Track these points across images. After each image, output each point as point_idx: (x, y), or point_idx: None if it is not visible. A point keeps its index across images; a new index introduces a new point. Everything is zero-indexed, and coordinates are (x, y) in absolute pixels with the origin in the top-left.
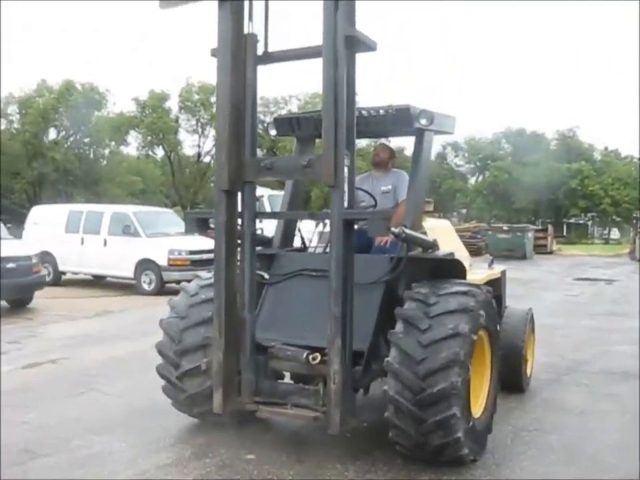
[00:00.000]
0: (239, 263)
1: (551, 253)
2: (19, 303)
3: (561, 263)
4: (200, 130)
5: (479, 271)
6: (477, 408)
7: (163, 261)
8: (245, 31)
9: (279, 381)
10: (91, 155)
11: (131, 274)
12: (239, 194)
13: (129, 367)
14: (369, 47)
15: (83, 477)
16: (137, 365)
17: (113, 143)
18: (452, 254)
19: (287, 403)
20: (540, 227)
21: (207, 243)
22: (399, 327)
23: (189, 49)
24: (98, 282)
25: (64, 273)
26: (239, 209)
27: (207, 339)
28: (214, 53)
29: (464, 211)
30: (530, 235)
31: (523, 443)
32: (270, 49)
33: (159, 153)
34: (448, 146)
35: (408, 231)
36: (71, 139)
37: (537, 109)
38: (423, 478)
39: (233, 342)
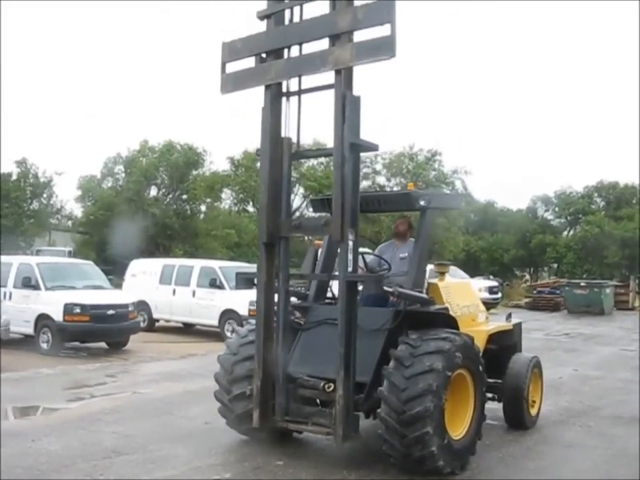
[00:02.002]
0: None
1: (632, 309)
2: (117, 345)
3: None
4: None
5: (491, 323)
6: (458, 431)
7: (244, 311)
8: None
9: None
10: (188, 211)
11: (215, 322)
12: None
13: (200, 397)
14: (371, 149)
15: (152, 469)
16: (207, 397)
17: (209, 200)
18: (446, 308)
19: (309, 422)
20: (621, 283)
21: None
22: (392, 364)
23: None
24: (187, 329)
25: (157, 320)
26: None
27: (251, 371)
28: (258, 152)
29: (555, 265)
30: (608, 290)
31: (504, 466)
32: (300, 146)
33: (251, 209)
34: (538, 200)
35: (401, 290)
36: (170, 195)
37: (631, 160)
38: None
39: (269, 373)
